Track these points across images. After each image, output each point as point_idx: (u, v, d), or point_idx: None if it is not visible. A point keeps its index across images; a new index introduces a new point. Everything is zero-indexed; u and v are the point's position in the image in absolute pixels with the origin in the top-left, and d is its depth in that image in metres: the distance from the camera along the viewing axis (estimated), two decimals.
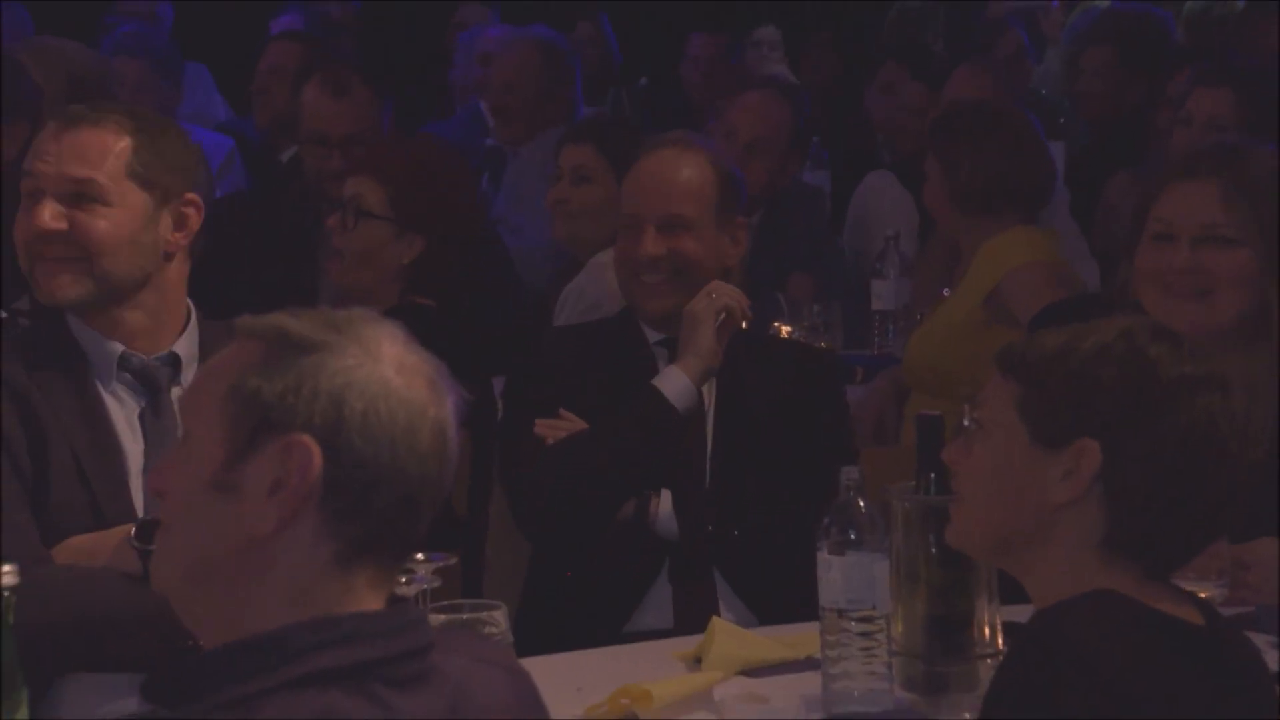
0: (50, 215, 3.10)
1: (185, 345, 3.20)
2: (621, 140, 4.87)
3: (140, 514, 3.08)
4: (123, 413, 3.16)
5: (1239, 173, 3.36)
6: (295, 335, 1.92)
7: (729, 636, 3.06)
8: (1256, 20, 7.35)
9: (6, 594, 2.18)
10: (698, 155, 3.83)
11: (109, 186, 3.11)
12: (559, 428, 3.67)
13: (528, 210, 6.40)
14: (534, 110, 6.67)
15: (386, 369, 1.92)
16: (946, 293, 5.00)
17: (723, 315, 3.67)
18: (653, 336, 3.81)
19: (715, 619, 3.14)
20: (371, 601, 1.94)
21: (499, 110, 6.88)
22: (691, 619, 3.46)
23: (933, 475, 2.82)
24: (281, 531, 1.90)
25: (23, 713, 2.21)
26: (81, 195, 3.11)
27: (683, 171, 3.80)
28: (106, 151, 3.11)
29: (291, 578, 1.91)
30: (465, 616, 2.80)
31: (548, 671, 2.54)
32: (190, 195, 3.18)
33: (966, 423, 2.38)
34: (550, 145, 6.46)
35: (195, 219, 3.18)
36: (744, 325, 3.73)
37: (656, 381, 3.67)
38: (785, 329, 5.02)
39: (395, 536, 1.94)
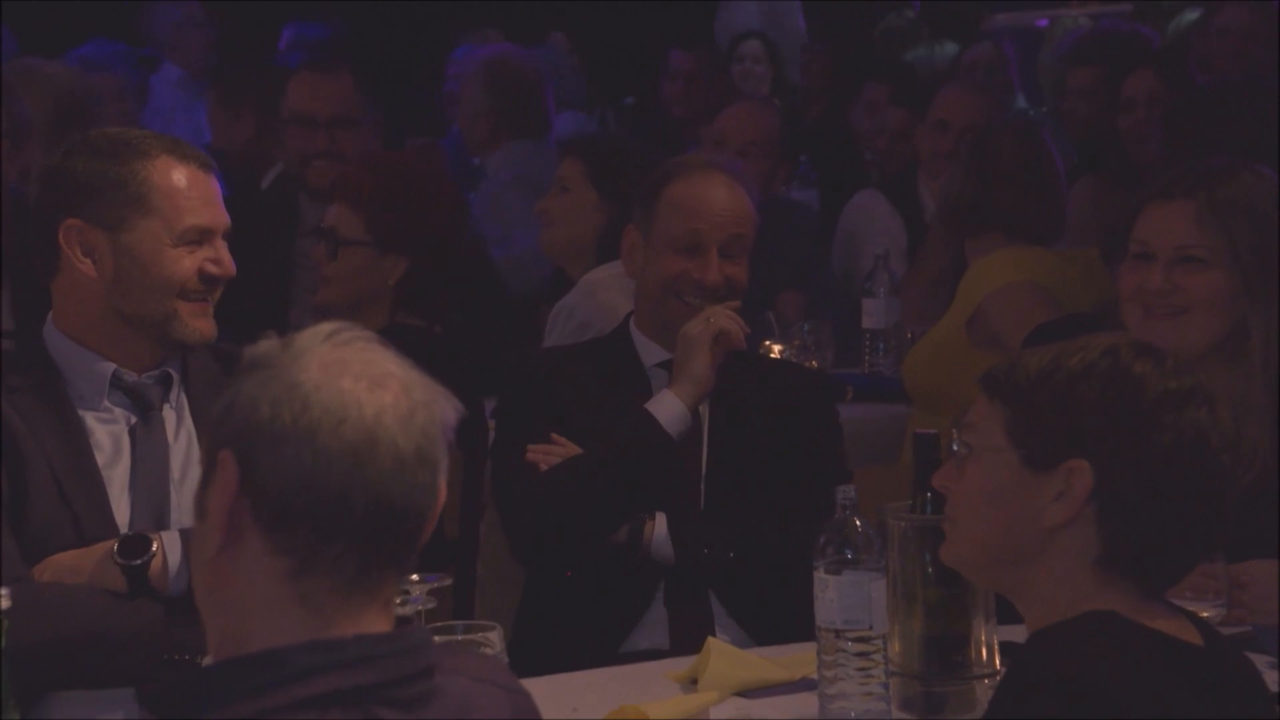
0: (229, 259, 3.21)
1: (176, 365, 3.24)
2: (609, 154, 4.89)
3: (123, 529, 3.09)
4: (110, 430, 3.17)
5: (1215, 194, 3.36)
6: (245, 359, 1.94)
7: (725, 657, 3.05)
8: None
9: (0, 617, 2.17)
10: (738, 181, 3.82)
11: None
12: (552, 453, 3.65)
13: (501, 220, 6.43)
14: (484, 125, 6.72)
15: (305, 373, 1.90)
16: None
17: (719, 339, 3.66)
18: (650, 358, 3.80)
19: (711, 639, 3.12)
20: (374, 621, 1.92)
21: (461, 128, 6.98)
22: (687, 640, 3.45)
23: (929, 494, 2.81)
24: (228, 549, 1.91)
25: None
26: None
27: (740, 195, 3.79)
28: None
29: (250, 594, 1.90)
30: (460, 638, 2.78)
31: (544, 692, 2.52)
32: None
33: (956, 446, 2.37)
34: (516, 156, 6.50)
35: None
36: (743, 345, 3.72)
37: (650, 405, 3.66)
38: (776, 348, 5.01)
39: (353, 544, 1.89)
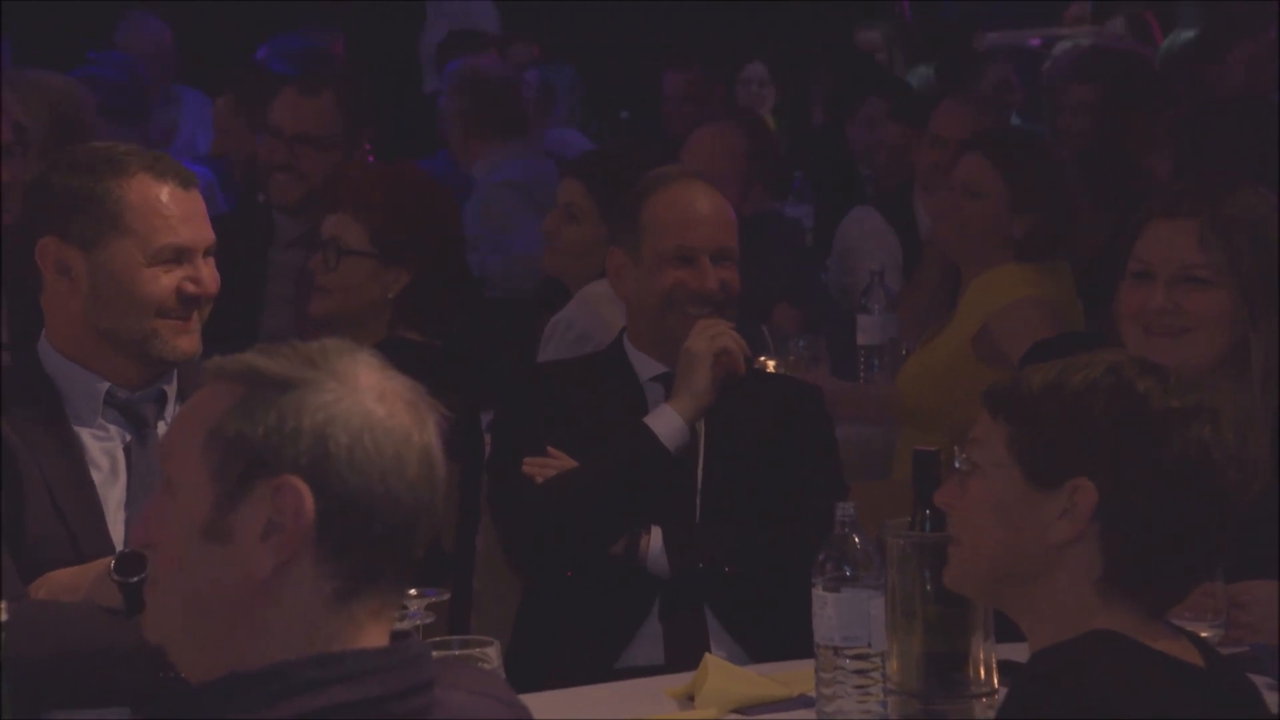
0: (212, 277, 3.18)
1: (169, 382, 3.23)
2: (612, 177, 4.85)
3: (119, 547, 3.07)
4: (105, 447, 3.17)
5: (1218, 213, 3.35)
6: (271, 374, 1.89)
7: (722, 674, 3.04)
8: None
9: None
10: (715, 188, 3.84)
11: None
12: (548, 466, 3.65)
13: (494, 225, 6.45)
14: (460, 132, 6.76)
15: (367, 400, 1.90)
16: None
17: (720, 357, 3.66)
18: (645, 372, 3.80)
19: (708, 656, 3.12)
20: (374, 635, 1.92)
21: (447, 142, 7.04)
22: (682, 656, 3.44)
23: (928, 511, 2.80)
24: (280, 573, 1.88)
25: None
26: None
27: (720, 201, 3.80)
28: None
29: (295, 616, 1.88)
30: (456, 653, 2.77)
31: (540, 708, 2.49)
32: None
33: (958, 464, 2.36)
34: (501, 159, 6.56)
35: None
36: (742, 370, 3.71)
37: (648, 420, 3.66)
38: (771, 363, 4.99)
39: (394, 566, 1.92)
